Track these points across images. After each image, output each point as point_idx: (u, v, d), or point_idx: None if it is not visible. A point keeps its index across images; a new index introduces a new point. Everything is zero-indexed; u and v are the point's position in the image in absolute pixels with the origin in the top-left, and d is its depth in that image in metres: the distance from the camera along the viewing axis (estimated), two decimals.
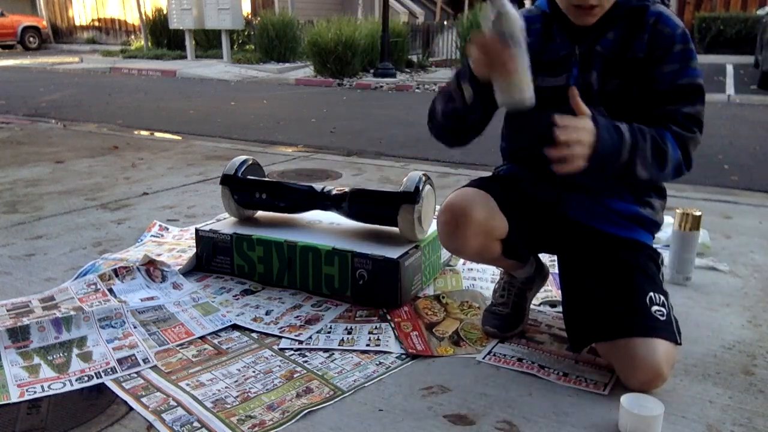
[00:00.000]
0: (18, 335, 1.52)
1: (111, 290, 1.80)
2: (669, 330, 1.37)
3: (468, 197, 1.48)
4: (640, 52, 1.40)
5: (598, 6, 1.37)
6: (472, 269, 2.09)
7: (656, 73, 1.40)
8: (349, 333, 1.64)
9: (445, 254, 2.08)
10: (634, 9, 1.42)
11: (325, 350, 1.56)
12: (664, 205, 1.59)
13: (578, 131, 1.25)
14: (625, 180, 1.41)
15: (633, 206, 1.51)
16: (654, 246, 1.56)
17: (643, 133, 1.34)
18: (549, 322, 1.70)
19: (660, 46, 1.39)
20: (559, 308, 1.77)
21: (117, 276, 1.85)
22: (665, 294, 1.44)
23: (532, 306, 1.75)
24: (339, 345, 1.58)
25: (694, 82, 1.40)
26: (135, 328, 1.63)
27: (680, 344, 1.39)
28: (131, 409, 1.32)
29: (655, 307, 1.38)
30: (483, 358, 1.52)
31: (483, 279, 2.00)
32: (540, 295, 1.84)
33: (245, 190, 2.07)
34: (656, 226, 1.56)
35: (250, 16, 14.92)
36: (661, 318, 1.37)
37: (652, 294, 1.40)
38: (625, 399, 1.26)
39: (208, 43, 14.13)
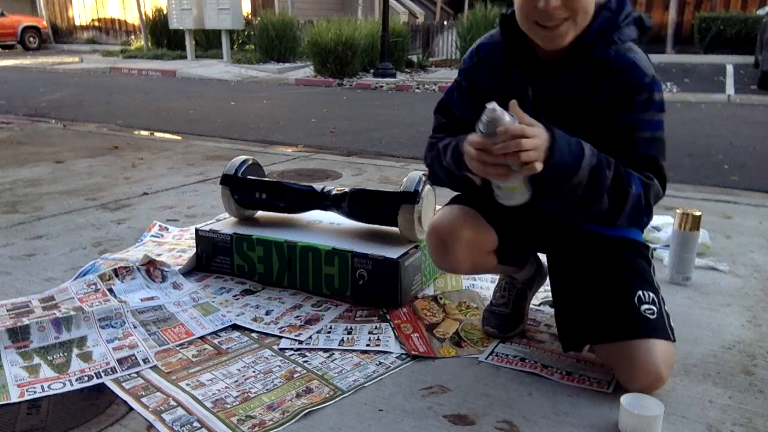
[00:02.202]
0: (18, 335, 1.52)
1: (111, 290, 1.80)
2: (661, 328, 1.34)
3: (453, 218, 1.48)
4: (601, 101, 1.33)
5: (566, 22, 1.25)
6: None
7: (616, 120, 1.33)
8: (349, 333, 1.64)
9: None
10: (598, 58, 1.32)
11: (325, 350, 1.56)
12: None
13: (532, 138, 1.19)
14: (590, 207, 1.33)
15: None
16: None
17: (609, 161, 1.29)
18: (548, 321, 1.71)
19: (623, 96, 1.31)
20: None
21: (117, 276, 1.85)
22: (655, 290, 1.40)
23: (531, 306, 1.75)
24: (339, 345, 1.58)
25: (656, 135, 1.33)
26: (135, 328, 1.63)
27: (674, 340, 1.37)
28: (131, 409, 1.32)
29: (644, 306, 1.35)
30: (486, 358, 1.52)
31: (483, 279, 2.00)
32: (540, 295, 1.85)
33: (245, 190, 2.07)
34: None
35: (250, 16, 14.92)
36: (651, 317, 1.34)
37: (640, 293, 1.37)
38: (625, 399, 1.26)
39: (208, 43, 14.13)
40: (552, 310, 1.77)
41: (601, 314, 1.37)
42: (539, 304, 1.82)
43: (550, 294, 1.86)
